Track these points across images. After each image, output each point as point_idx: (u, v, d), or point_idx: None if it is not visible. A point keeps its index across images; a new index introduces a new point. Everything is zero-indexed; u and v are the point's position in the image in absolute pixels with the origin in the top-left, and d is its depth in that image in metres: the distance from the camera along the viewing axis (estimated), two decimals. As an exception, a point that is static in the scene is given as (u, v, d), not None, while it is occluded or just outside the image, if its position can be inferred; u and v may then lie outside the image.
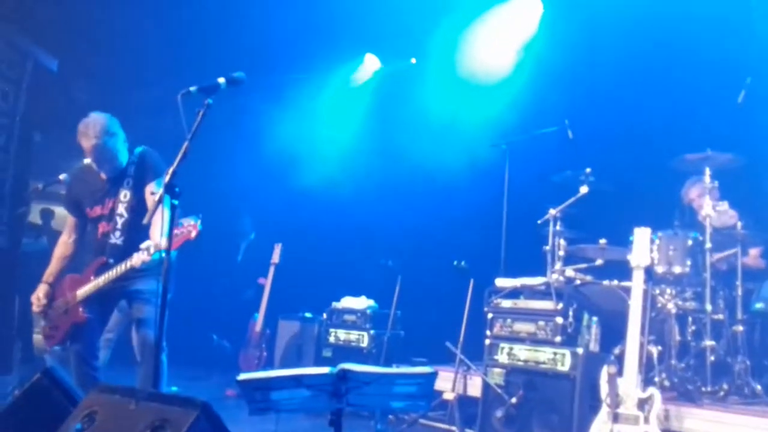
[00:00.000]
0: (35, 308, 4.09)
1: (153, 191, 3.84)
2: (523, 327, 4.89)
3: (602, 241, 5.37)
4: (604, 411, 4.08)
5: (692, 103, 5.75)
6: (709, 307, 4.88)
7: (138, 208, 3.93)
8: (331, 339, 6.42)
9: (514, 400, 4.66)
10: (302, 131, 8.03)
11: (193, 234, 3.35)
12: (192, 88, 2.98)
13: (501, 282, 5.22)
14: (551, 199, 5.60)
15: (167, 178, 2.86)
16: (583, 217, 5.59)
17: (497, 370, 4.89)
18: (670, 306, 5.01)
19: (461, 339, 5.31)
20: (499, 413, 4.73)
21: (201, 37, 7.18)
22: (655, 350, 4.93)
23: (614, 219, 5.48)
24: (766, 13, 5.37)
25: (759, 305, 4.20)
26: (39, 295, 4.10)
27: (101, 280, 3.86)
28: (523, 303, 5.01)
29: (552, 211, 5.55)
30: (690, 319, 5.03)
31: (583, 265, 5.51)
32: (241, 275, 7.83)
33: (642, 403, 4.00)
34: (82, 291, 3.92)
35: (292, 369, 2.27)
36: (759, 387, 4.72)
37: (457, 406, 5.17)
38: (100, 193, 4.09)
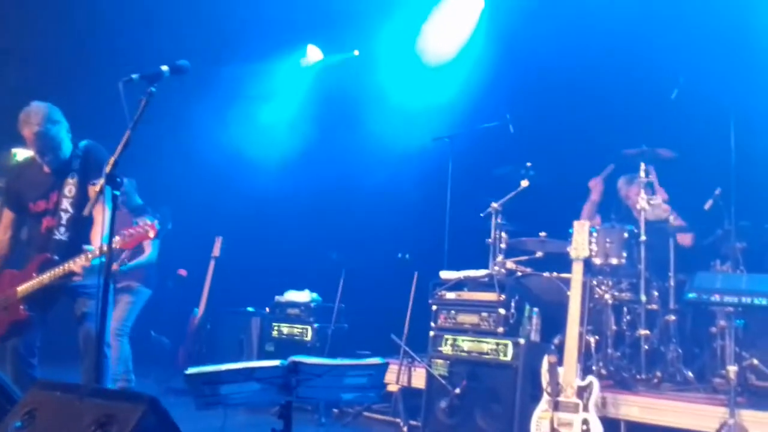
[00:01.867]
0: None
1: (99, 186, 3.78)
2: (467, 318, 4.96)
3: (542, 233, 5.50)
4: (545, 399, 4.18)
5: (629, 100, 5.93)
6: (643, 297, 5.06)
7: (83, 203, 3.76)
8: (275, 333, 6.35)
9: (457, 390, 4.72)
10: (245, 123, 7.90)
11: (151, 234, 3.33)
12: (134, 76, 2.88)
13: (445, 274, 5.27)
14: (493, 193, 5.69)
15: (108, 168, 2.76)
16: (523, 211, 5.70)
17: (441, 361, 4.94)
18: (607, 297, 5.17)
19: (405, 331, 5.35)
20: (443, 404, 4.79)
21: (146, 22, 6.98)
22: (593, 339, 5.07)
23: (554, 212, 5.62)
24: (698, 14, 5.57)
25: (692, 295, 4.36)
26: None
27: (45, 277, 3.71)
28: (466, 295, 5.08)
29: (494, 205, 5.64)
30: (625, 309, 5.21)
31: (524, 257, 5.64)
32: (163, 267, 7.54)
33: (581, 391, 4.12)
34: (24, 288, 3.76)
35: (242, 362, 2.24)
36: (690, 374, 4.93)
37: (401, 397, 5.21)
38: (44, 186, 3.93)
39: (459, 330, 4.96)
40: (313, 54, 8.36)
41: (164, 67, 2.96)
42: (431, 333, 5.08)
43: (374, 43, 7.66)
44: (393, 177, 7.07)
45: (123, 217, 6.16)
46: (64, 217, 3.85)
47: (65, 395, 2.07)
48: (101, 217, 3.59)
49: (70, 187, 3.86)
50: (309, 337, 6.10)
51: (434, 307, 5.15)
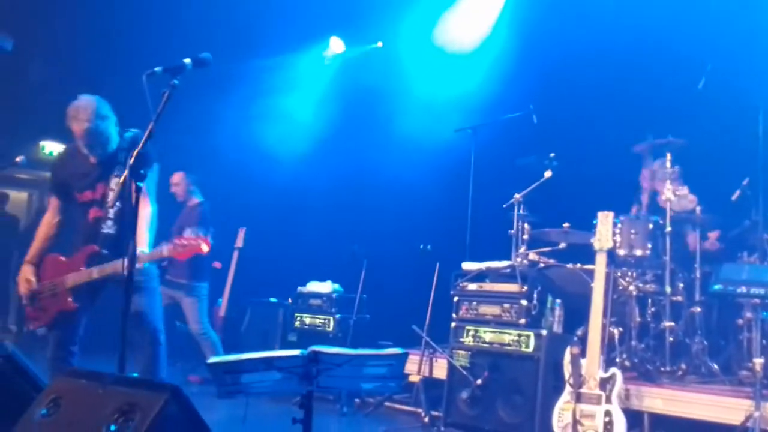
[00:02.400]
0: (23, 290, 3.91)
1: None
2: (489, 309, 4.95)
3: (565, 224, 5.45)
4: (567, 391, 4.16)
5: (655, 90, 5.84)
6: (668, 289, 5.00)
7: (130, 196, 3.66)
8: (297, 324, 6.40)
9: (479, 381, 4.72)
10: (268, 115, 7.93)
11: (205, 249, 3.37)
12: (157, 69, 2.91)
13: (467, 265, 5.26)
14: (516, 184, 5.66)
15: (132, 160, 2.80)
16: (546, 201, 5.66)
17: (462, 352, 4.94)
18: (632, 288, 5.12)
19: (427, 322, 5.35)
20: (464, 395, 4.79)
21: (167, 19, 7.03)
22: (616, 331, 5.03)
23: (577, 203, 5.57)
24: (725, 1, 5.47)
25: (717, 286, 4.30)
26: (28, 277, 3.92)
27: (95, 272, 3.70)
28: (488, 286, 5.07)
29: (517, 196, 5.62)
30: (650, 300, 5.15)
31: (547, 249, 5.60)
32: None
33: (604, 383, 4.09)
34: (73, 279, 3.76)
35: (263, 352, 2.27)
36: (716, 366, 4.87)
37: (422, 388, 5.22)
38: (90, 177, 3.90)
39: (481, 321, 4.96)
40: (336, 46, 8.35)
41: (187, 60, 2.99)
42: (453, 324, 5.08)
43: (396, 34, 7.64)
44: (415, 168, 7.06)
45: (190, 210, 6.38)
46: (111, 211, 3.82)
47: (90, 383, 2.11)
48: (145, 211, 3.73)
49: (116, 180, 3.82)
50: (331, 327, 6.14)
51: (456, 298, 5.15)
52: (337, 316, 6.14)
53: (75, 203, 3.96)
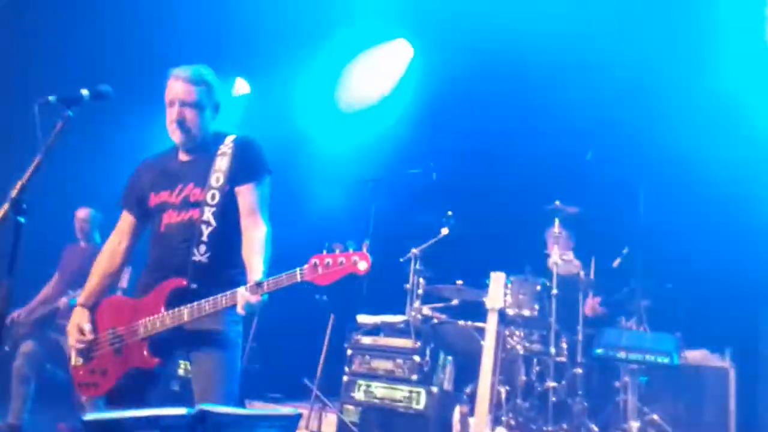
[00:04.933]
0: (75, 343, 2.91)
1: (254, 191, 2.93)
2: (382, 364, 4.93)
3: (459, 282, 5.57)
4: (456, 450, 4.17)
5: (549, 158, 6.15)
6: (553, 350, 5.18)
7: (229, 216, 2.90)
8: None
9: (368, 438, 4.66)
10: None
11: (362, 267, 2.47)
12: (51, 98, 2.72)
13: (362, 318, 5.24)
14: (414, 238, 5.73)
15: (14, 193, 2.57)
16: (442, 258, 5.77)
17: (352, 407, 4.87)
18: (519, 347, 5.26)
19: (318, 375, 5.25)
20: (352, 452, 4.70)
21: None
22: (503, 390, 5.13)
23: (471, 261, 5.71)
24: (611, 82, 5.88)
25: (599, 351, 4.52)
26: (82, 325, 2.92)
27: (185, 314, 2.70)
28: (382, 340, 5.06)
29: (414, 250, 5.69)
30: (535, 360, 5.31)
31: (440, 305, 5.68)
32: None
33: (491, 443, 4.14)
34: (152, 324, 2.75)
35: (146, 410, 2.11)
36: (595, 428, 5.04)
37: (310, 444, 5.08)
38: (173, 175, 2.99)
39: (373, 376, 4.93)
40: (241, 86, 8.25)
41: (84, 91, 2.81)
42: (345, 378, 5.01)
43: (297, 82, 7.62)
44: (314, 215, 7.02)
45: (82, 252, 5.87)
46: (205, 231, 2.86)
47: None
48: (257, 232, 2.84)
49: (213, 192, 2.91)
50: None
51: (349, 352, 5.10)
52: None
53: (150, 214, 3.03)
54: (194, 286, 2.77)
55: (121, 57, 6.61)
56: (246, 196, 2.91)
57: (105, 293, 3.06)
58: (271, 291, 2.62)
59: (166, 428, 2.08)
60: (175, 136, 2.98)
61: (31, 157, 2.65)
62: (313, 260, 2.53)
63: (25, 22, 6.34)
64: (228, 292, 2.66)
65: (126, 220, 3.13)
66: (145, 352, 2.74)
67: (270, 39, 6.99)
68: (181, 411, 2.13)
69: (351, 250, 2.54)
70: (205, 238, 2.85)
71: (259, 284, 2.61)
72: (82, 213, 5.95)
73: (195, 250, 2.83)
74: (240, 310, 2.63)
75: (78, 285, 5.49)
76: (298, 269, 2.56)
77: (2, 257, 2.47)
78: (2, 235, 2.53)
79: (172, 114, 2.94)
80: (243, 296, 2.62)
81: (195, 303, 2.70)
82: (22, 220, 2.59)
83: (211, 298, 2.68)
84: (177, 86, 2.92)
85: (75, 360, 2.92)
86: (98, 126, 5.74)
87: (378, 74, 7.52)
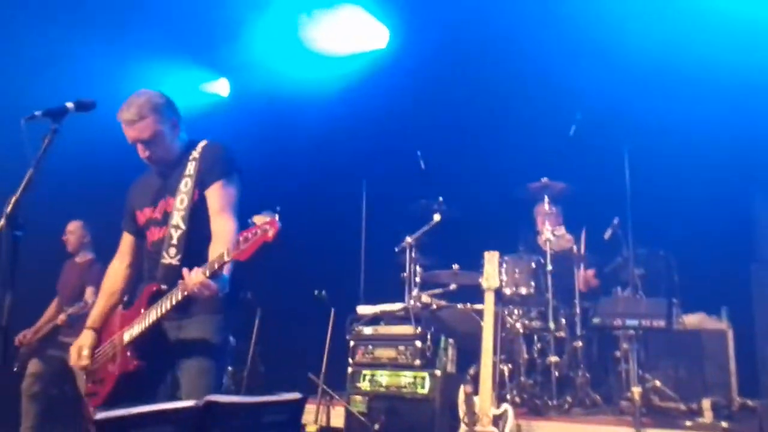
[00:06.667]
0: (75, 363, 3.07)
1: (220, 191, 2.96)
2: (384, 353, 4.99)
3: (455, 266, 5.63)
4: (463, 430, 4.24)
5: (534, 136, 6.20)
6: (552, 325, 5.25)
7: (199, 217, 2.95)
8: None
9: (376, 426, 4.71)
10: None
11: (270, 234, 2.44)
12: (37, 113, 2.77)
13: (362, 309, 5.30)
14: (407, 227, 5.79)
15: (9, 208, 2.62)
16: (436, 244, 5.83)
17: (359, 397, 4.92)
18: (518, 326, 5.33)
19: (323, 369, 5.29)
20: (362, 441, 4.76)
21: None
22: (506, 368, 5.20)
23: (465, 245, 5.77)
24: (594, 57, 5.94)
25: (596, 320, 4.60)
26: (82, 350, 3.06)
27: (153, 314, 2.83)
28: (383, 329, 5.12)
29: (408, 239, 5.74)
30: (536, 337, 5.37)
31: (438, 290, 5.74)
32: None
33: (497, 420, 4.20)
34: (132, 330, 2.90)
35: (153, 404, 2.17)
36: (598, 397, 5.12)
37: (320, 438, 5.13)
38: (155, 192, 3.11)
39: (377, 365, 4.98)
40: (222, 87, 8.09)
41: (69, 104, 2.86)
42: (349, 369, 5.07)
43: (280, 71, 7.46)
44: (308, 213, 7.06)
45: (78, 267, 5.88)
46: (175, 234, 2.94)
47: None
48: (222, 228, 2.85)
49: (181, 197, 2.98)
50: (223, 381, 5.93)
51: (352, 343, 5.16)
52: (230, 368, 5.95)
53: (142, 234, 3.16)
54: (164, 287, 2.86)
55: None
56: (213, 195, 2.97)
57: (112, 313, 3.15)
58: (212, 274, 2.61)
59: (175, 421, 2.14)
60: (152, 166, 3.12)
61: (21, 173, 2.71)
62: (239, 237, 2.53)
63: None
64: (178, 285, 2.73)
65: (126, 240, 3.27)
66: (127, 355, 2.86)
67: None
68: (188, 404, 2.20)
69: (267, 218, 2.58)
70: (174, 241, 2.93)
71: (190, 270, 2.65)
72: (70, 226, 5.95)
73: (165, 254, 2.93)
74: (194, 287, 2.63)
75: (75, 300, 5.55)
76: (224, 250, 2.58)
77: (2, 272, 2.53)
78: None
79: (138, 151, 3.05)
80: (182, 284, 2.68)
81: (158, 301, 2.81)
82: (19, 233, 2.64)
83: (168, 294, 2.78)
84: (128, 131, 3.01)
85: (81, 374, 3.10)
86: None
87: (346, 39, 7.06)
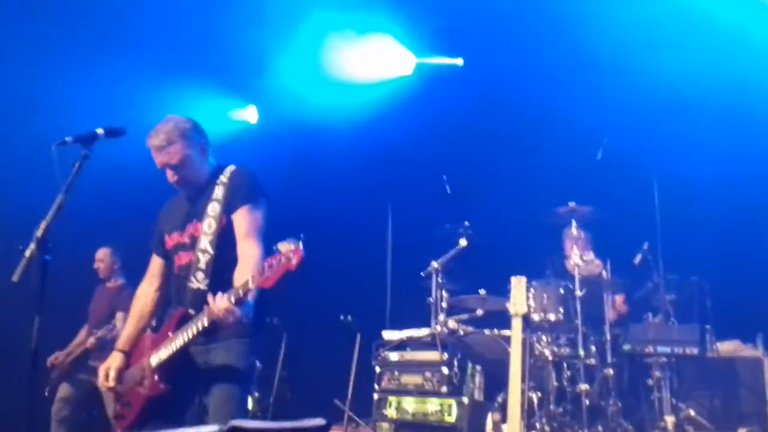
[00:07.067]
0: (103, 384, 3.11)
1: (246, 215, 2.99)
2: (411, 379, 4.93)
3: (482, 291, 5.56)
4: (490, 459, 4.16)
5: (561, 161, 6.16)
6: (582, 352, 5.14)
7: (226, 242, 2.99)
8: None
9: (402, 454, 4.65)
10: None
11: (294, 262, 2.46)
12: (68, 139, 2.83)
13: (388, 334, 5.26)
14: (433, 252, 5.76)
15: (39, 233, 2.67)
16: (463, 269, 5.78)
17: (386, 425, 4.87)
18: (547, 352, 5.23)
19: (349, 395, 5.26)
20: (388, 469, 4.70)
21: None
22: (535, 396, 5.09)
23: (492, 270, 5.72)
24: (615, 80, 5.91)
25: (627, 347, 4.50)
26: (110, 367, 3.09)
27: (180, 339, 2.84)
28: (409, 355, 5.07)
29: (434, 264, 5.70)
30: (565, 364, 5.26)
31: (465, 316, 5.67)
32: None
33: (526, 449, 4.12)
34: (159, 354, 2.92)
35: (180, 428, 2.16)
36: (630, 427, 4.99)
37: (346, 465, 5.08)
38: (184, 216, 3.15)
39: (403, 391, 4.92)
40: (251, 114, 8.21)
41: (100, 130, 2.91)
42: (375, 396, 5.02)
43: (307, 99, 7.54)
44: (333, 239, 7.07)
45: (109, 292, 5.97)
46: (203, 259, 2.98)
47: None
48: (247, 254, 2.88)
49: (209, 221, 3.02)
50: (249, 407, 5.92)
51: (378, 369, 5.11)
52: (256, 394, 5.94)
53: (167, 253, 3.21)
54: (192, 311, 2.89)
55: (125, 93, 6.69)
56: (239, 219, 2.99)
57: (141, 336, 3.18)
58: (237, 301, 2.62)
59: (200, 446, 2.13)
60: (180, 191, 3.17)
61: (51, 198, 2.76)
62: (265, 263, 2.53)
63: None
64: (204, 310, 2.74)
65: (155, 263, 3.31)
66: (155, 378, 2.88)
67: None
68: (214, 428, 2.19)
69: (292, 247, 2.54)
70: (202, 265, 2.96)
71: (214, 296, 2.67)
72: (99, 254, 6.04)
73: (193, 278, 2.97)
74: (220, 313, 2.64)
75: (104, 324, 5.61)
76: (249, 276, 2.59)
77: (32, 296, 2.57)
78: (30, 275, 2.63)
79: (167, 176, 3.10)
80: (207, 310, 2.70)
81: (185, 326, 2.83)
82: (48, 258, 2.69)
83: (195, 319, 2.80)
84: (156, 156, 3.06)
85: (109, 397, 3.11)
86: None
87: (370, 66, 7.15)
